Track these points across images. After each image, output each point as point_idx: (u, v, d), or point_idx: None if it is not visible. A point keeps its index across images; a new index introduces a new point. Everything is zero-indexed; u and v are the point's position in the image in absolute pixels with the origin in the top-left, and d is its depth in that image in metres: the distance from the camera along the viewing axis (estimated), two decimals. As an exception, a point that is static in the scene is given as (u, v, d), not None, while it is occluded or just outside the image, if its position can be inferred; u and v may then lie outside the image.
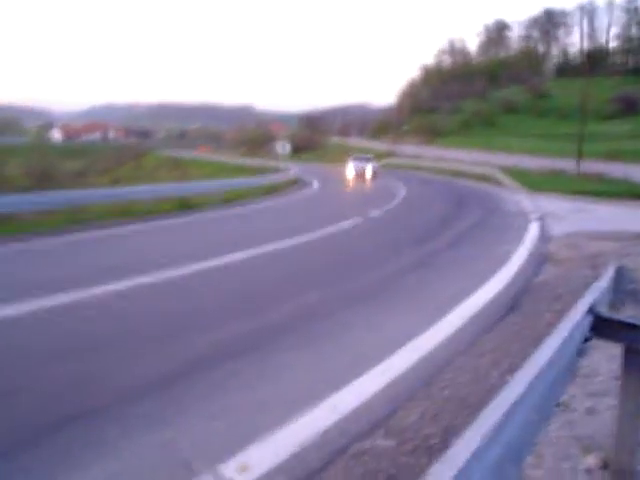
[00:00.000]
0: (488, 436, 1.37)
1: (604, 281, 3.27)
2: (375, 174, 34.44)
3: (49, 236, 10.72)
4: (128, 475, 2.99)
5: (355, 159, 36.83)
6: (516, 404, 1.57)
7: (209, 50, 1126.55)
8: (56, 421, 3.51)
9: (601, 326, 2.83)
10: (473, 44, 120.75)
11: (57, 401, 3.83)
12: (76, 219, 12.69)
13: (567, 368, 2.36)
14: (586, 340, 2.83)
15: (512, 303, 6.64)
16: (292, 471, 3.02)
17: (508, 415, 1.50)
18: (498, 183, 30.84)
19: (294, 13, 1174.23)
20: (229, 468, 2.99)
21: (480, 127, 72.84)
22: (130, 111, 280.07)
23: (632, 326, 2.72)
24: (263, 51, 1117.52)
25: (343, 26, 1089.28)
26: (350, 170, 34.28)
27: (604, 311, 3.05)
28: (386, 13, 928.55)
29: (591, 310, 2.74)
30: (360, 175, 33.55)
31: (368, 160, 37.02)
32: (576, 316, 2.49)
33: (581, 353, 2.77)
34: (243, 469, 2.98)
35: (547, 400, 2.01)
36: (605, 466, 3.03)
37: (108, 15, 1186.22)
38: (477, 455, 1.29)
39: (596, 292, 2.96)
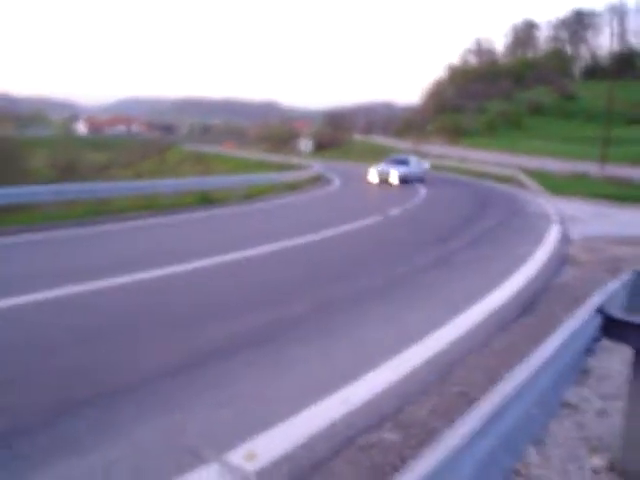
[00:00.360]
0: (480, 427, 1.39)
1: (616, 283, 3.25)
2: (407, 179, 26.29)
3: (71, 227, 10.92)
4: (145, 455, 3.06)
5: (387, 162, 28.60)
6: (513, 397, 1.59)
7: (234, 45, 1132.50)
8: (80, 397, 3.67)
9: (611, 327, 2.82)
10: (500, 44, 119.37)
11: (82, 379, 3.95)
12: (99, 211, 12.93)
13: (573, 366, 2.36)
14: (595, 340, 2.83)
15: (530, 303, 6.62)
16: (299, 460, 3.06)
17: (503, 408, 1.52)
18: (521, 185, 30.54)
19: (320, 10, 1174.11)
20: (236, 455, 3.05)
21: (505, 128, 71.84)
22: (154, 105, 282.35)
23: (642, 328, 2.71)
24: (288, 47, 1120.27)
25: (369, 24, 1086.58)
26: (373, 176, 26.74)
27: (618, 314, 3.04)
28: (411, 11, 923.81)
29: (600, 310, 2.73)
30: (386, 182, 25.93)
31: (404, 163, 28.12)
32: (583, 315, 2.49)
33: (590, 352, 2.77)
34: (250, 457, 3.03)
35: (550, 396, 2.02)
36: (612, 467, 3.02)
37: (136, 9, 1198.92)
38: (467, 445, 1.31)
39: (606, 293, 2.95)
